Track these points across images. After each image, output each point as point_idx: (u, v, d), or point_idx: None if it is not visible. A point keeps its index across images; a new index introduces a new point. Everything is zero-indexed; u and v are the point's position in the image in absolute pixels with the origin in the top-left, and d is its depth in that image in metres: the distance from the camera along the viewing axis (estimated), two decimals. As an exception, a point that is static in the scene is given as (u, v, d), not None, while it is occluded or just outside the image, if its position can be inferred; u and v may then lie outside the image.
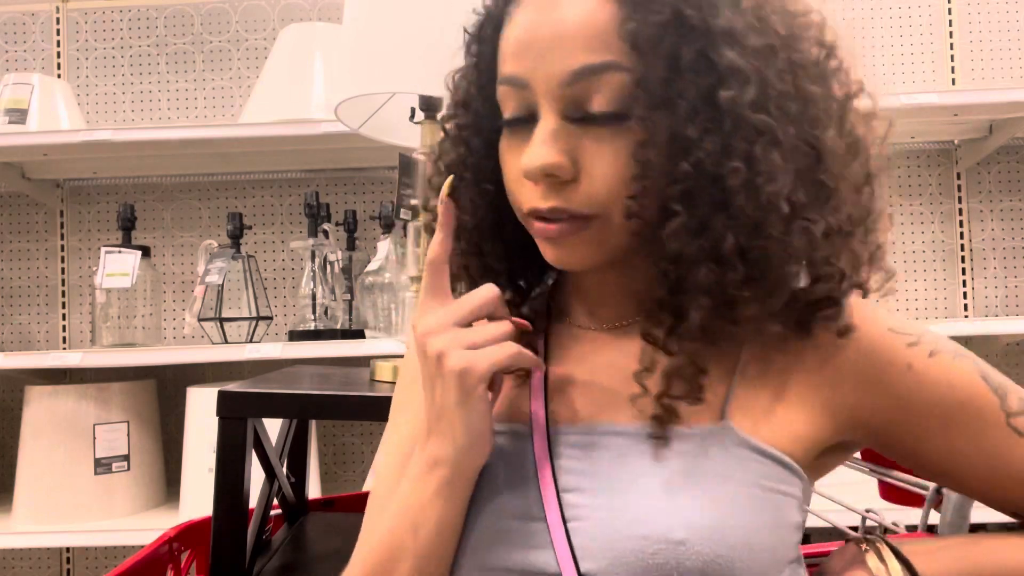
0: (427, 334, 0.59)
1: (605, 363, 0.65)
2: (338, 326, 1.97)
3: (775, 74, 0.57)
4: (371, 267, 1.90)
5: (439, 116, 0.70)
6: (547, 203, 0.58)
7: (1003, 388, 0.62)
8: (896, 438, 0.63)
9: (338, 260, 1.99)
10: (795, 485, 0.60)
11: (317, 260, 1.96)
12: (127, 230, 1.99)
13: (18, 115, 1.98)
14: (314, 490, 1.85)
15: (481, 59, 0.64)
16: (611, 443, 0.60)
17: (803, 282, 0.60)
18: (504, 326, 0.60)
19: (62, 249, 2.25)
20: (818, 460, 0.63)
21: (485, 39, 0.64)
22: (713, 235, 0.56)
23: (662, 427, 0.59)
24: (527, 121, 0.60)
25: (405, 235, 1.19)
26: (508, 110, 0.61)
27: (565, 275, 0.70)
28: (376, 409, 0.97)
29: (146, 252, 2.01)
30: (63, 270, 2.24)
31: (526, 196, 0.60)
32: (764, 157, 0.56)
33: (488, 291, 0.60)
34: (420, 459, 0.61)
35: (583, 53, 0.56)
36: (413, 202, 1.16)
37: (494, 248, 0.67)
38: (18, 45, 2.28)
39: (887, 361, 0.61)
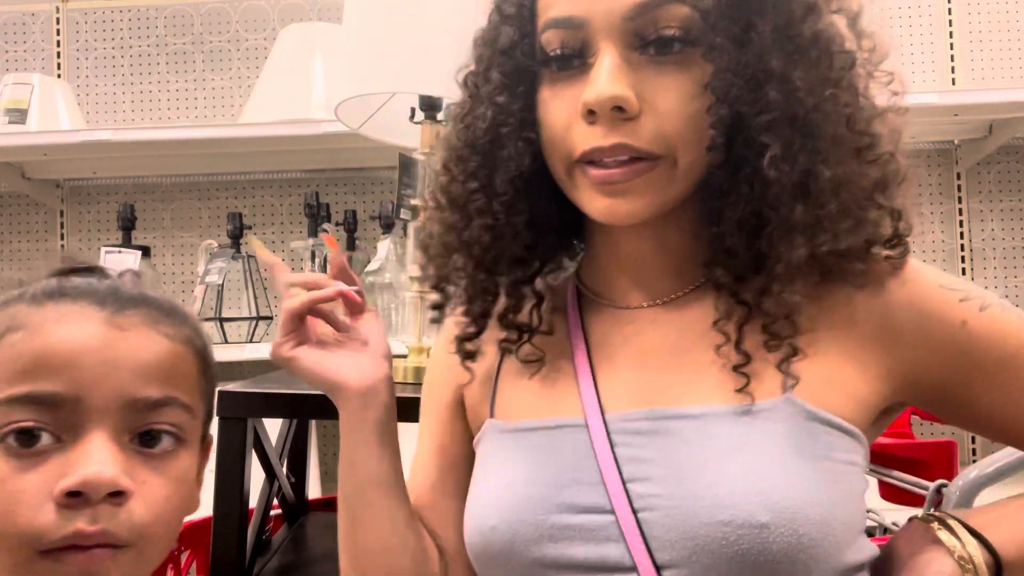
0: None
1: (654, 343, 0.63)
2: (338, 326, 1.97)
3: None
4: (371, 267, 1.90)
5: (459, 74, 0.68)
6: (610, 140, 0.57)
7: None
8: (949, 395, 0.62)
9: (338, 260, 1.99)
10: (859, 453, 0.59)
11: (317, 260, 1.96)
12: (127, 230, 1.99)
13: (18, 115, 1.98)
14: (314, 490, 1.85)
15: (522, 8, 0.62)
16: (674, 427, 0.59)
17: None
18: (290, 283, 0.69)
19: (62, 249, 2.24)
20: (873, 425, 0.62)
21: None
22: (804, 167, 0.56)
23: (746, 378, 0.58)
24: (574, 66, 0.59)
25: (405, 235, 1.19)
26: (556, 53, 0.60)
27: (597, 252, 0.68)
28: (376, 409, 0.97)
29: (146, 252, 2.01)
30: (63, 270, 2.24)
31: (581, 138, 0.58)
32: (851, 86, 0.57)
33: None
34: None
35: None
36: (413, 202, 1.16)
37: (523, 208, 0.64)
38: (18, 45, 2.28)
39: (941, 318, 0.60)
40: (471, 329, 0.68)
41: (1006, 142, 2.03)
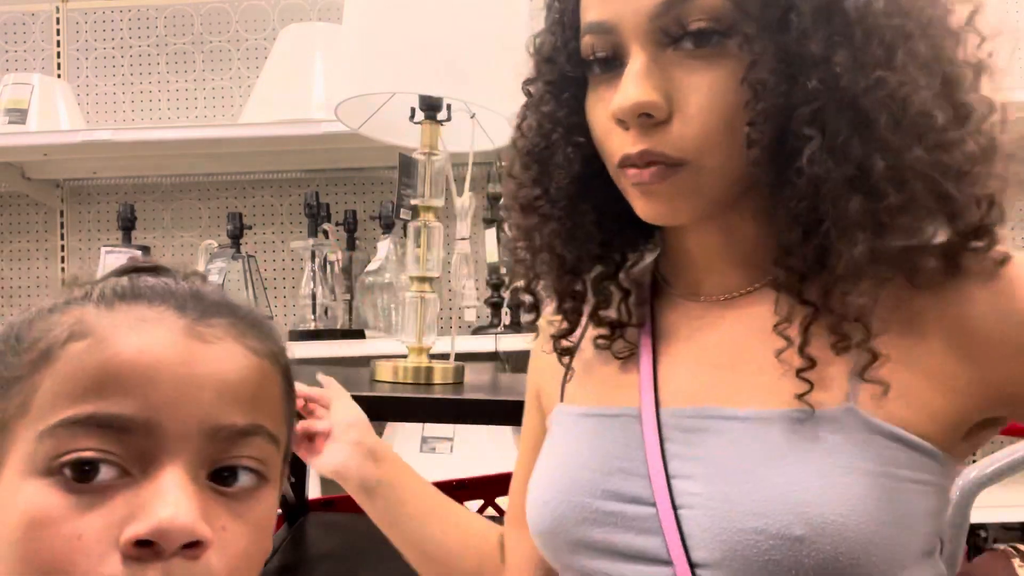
0: None
1: (718, 339, 0.62)
2: (338, 326, 1.97)
3: None
4: (371, 267, 1.90)
5: (523, 80, 0.67)
6: (637, 147, 0.56)
7: None
8: None
9: (338, 260, 1.99)
10: (930, 470, 0.55)
11: (317, 260, 1.96)
12: (127, 230, 1.99)
13: (18, 115, 1.98)
14: (314, 490, 1.85)
15: (564, 14, 0.62)
16: (724, 428, 0.57)
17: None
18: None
19: (62, 249, 2.25)
20: (965, 439, 0.57)
21: None
22: (857, 158, 0.52)
23: (807, 386, 0.54)
24: (614, 68, 0.58)
25: (405, 235, 1.19)
26: (593, 58, 0.59)
27: (669, 243, 0.67)
28: (377, 409, 0.97)
29: (146, 252, 2.01)
30: (63, 270, 2.24)
31: (617, 144, 0.58)
32: (905, 65, 0.52)
33: None
34: None
35: None
36: (413, 202, 1.16)
37: (587, 209, 0.64)
38: (18, 45, 2.28)
39: None
40: (565, 326, 0.69)
41: (1006, 142, 2.03)
